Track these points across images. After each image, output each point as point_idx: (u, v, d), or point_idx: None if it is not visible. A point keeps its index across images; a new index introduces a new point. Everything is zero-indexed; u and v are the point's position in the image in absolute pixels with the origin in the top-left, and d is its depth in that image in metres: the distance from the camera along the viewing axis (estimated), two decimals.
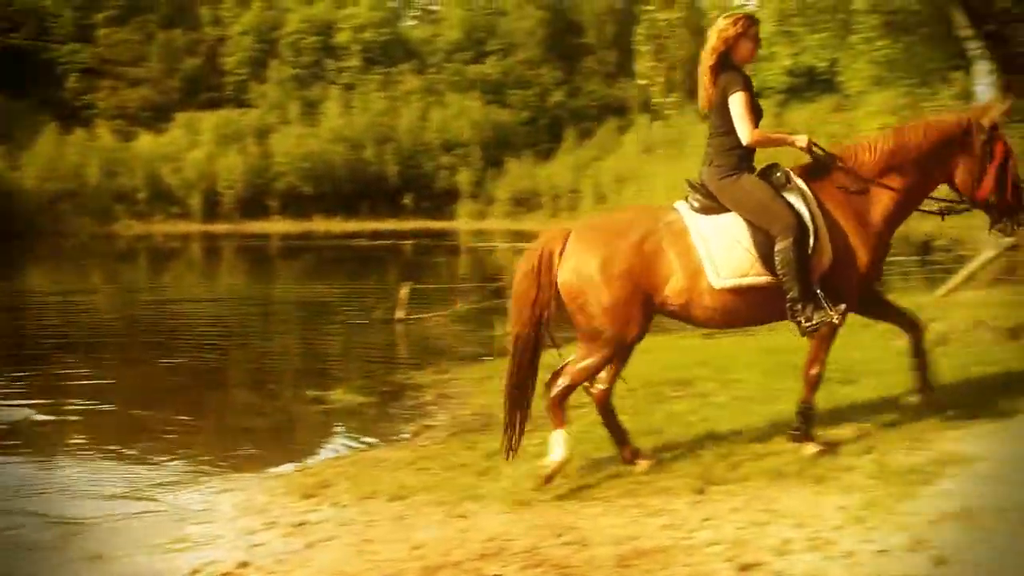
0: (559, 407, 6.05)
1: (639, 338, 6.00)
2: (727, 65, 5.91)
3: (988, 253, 13.76)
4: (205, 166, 65.02)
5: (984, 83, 15.05)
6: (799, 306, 5.69)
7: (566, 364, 6.12)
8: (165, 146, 66.04)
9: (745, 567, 4.41)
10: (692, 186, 6.00)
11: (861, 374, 8.40)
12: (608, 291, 5.83)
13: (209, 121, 68.28)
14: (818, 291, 5.71)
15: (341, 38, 76.94)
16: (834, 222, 5.80)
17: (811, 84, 50.81)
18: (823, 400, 7.32)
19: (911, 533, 4.51)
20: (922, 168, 5.93)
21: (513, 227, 57.66)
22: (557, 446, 5.97)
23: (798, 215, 5.70)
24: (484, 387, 10.47)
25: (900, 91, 21.48)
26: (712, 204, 5.87)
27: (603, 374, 6.21)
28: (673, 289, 5.81)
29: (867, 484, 5.21)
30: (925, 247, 25.04)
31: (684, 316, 5.98)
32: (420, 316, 17.05)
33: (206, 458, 8.30)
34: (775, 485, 5.44)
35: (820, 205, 5.81)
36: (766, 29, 18.83)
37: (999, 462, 5.23)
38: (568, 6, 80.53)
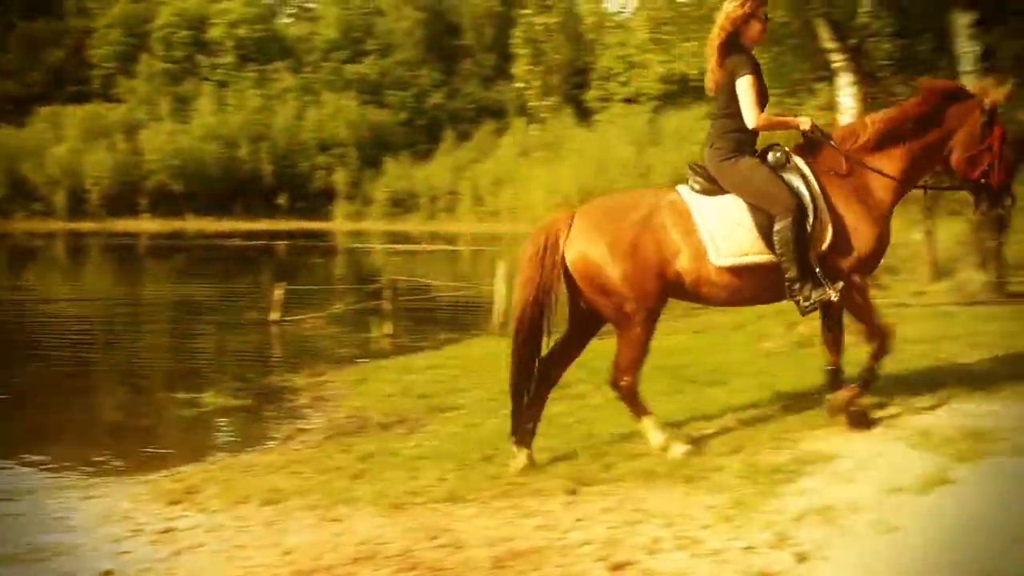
0: (634, 400, 6.16)
1: (658, 310, 6.04)
2: (735, 47, 5.99)
3: None
4: (70, 162, 62.87)
5: (847, 94, 15.60)
6: (797, 285, 5.78)
7: (614, 361, 6.15)
8: (26, 140, 63.64)
9: (617, 566, 4.46)
10: (693, 169, 6.09)
11: (731, 375, 8.62)
12: (620, 266, 5.89)
13: (75, 115, 66.09)
14: (817, 269, 5.80)
15: (214, 33, 75.38)
16: (835, 201, 5.88)
17: (684, 91, 51.96)
18: (694, 402, 7.50)
19: (775, 530, 4.63)
20: (920, 143, 5.99)
21: (390, 228, 57.40)
22: (655, 432, 6.10)
23: (797, 195, 5.79)
24: (360, 389, 10.38)
25: (769, 100, 22.05)
26: (712, 186, 5.97)
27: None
28: (682, 266, 5.90)
29: (735, 483, 5.33)
30: None
31: (694, 294, 6.05)
32: (295, 318, 16.82)
33: (69, 462, 8.01)
34: (647, 485, 5.51)
35: (821, 185, 5.89)
36: (638, 36, 19.20)
37: (858, 460, 5.41)
38: (447, 8, 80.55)
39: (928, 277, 15.36)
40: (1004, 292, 12.59)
